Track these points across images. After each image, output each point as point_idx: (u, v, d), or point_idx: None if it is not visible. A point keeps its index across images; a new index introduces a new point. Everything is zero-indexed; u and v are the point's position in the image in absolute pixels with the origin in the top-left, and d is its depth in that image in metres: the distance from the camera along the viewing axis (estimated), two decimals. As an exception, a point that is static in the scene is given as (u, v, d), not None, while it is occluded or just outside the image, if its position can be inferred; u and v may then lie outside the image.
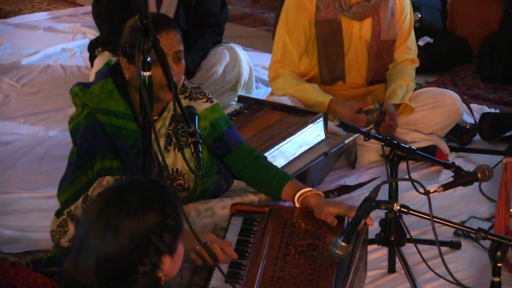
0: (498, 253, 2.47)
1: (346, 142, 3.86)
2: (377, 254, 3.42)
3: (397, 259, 3.17)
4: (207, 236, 2.78)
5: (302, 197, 2.96)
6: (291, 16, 4.15)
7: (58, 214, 3.07)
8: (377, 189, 2.56)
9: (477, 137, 4.50)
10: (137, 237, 1.96)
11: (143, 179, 2.10)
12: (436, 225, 2.58)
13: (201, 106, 3.10)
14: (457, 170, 3.17)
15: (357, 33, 4.16)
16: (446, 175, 3.97)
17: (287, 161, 3.62)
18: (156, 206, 1.99)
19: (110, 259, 1.96)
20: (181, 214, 2.05)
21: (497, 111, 4.84)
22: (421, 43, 5.36)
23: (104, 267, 1.96)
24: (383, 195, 3.11)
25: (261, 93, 4.95)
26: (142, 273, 1.97)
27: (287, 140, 3.65)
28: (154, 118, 2.98)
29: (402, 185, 3.58)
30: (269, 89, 4.44)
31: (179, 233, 2.03)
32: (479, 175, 3.11)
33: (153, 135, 2.52)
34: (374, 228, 3.12)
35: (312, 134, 3.79)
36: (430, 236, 3.37)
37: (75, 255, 2.01)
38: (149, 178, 2.17)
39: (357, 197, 3.83)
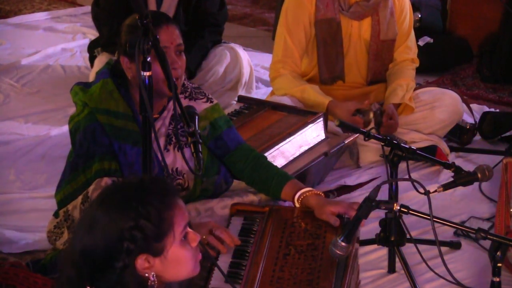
0: (498, 253, 2.47)
1: (346, 142, 3.86)
2: (377, 254, 3.42)
3: (397, 259, 3.17)
4: (209, 224, 2.79)
5: (302, 197, 2.95)
6: (291, 15, 4.15)
7: (56, 214, 3.07)
8: (377, 189, 2.56)
9: (477, 137, 4.50)
10: (109, 234, 1.98)
11: (141, 177, 2.10)
12: (436, 225, 2.58)
13: (201, 106, 3.10)
14: (457, 170, 3.17)
15: (357, 33, 4.17)
16: (446, 175, 3.97)
17: (287, 161, 3.62)
18: (131, 205, 2.00)
19: (88, 254, 1.99)
20: (168, 216, 2.03)
21: (497, 111, 4.84)
22: (421, 43, 5.36)
23: (83, 260, 1.99)
24: (383, 195, 3.11)
25: (261, 93, 4.95)
26: (120, 268, 1.98)
27: (287, 140, 3.65)
28: (155, 116, 2.98)
29: (402, 185, 3.58)
30: (269, 89, 4.44)
31: (161, 234, 2.01)
32: (479, 175, 3.11)
33: (153, 135, 2.52)
34: (374, 228, 3.12)
35: (312, 134, 3.79)
36: (430, 236, 3.37)
37: (68, 249, 2.07)
38: (149, 177, 2.16)
39: (357, 197, 3.83)
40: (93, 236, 1.99)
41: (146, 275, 2.02)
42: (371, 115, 3.95)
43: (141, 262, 2.00)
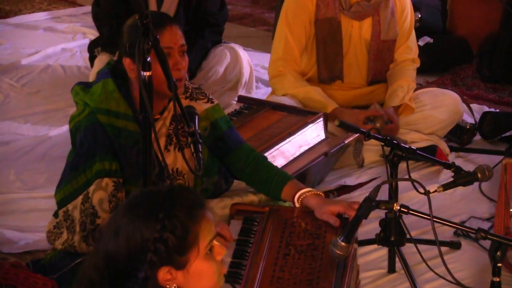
0: (498, 253, 2.47)
1: (346, 142, 3.86)
2: (377, 254, 3.42)
3: (397, 259, 3.17)
4: None
5: (302, 197, 2.95)
6: (291, 14, 4.15)
7: (56, 214, 3.06)
8: (377, 189, 2.56)
9: (477, 137, 4.50)
10: (133, 243, 1.96)
11: (170, 187, 2.07)
12: (436, 225, 2.58)
13: (201, 106, 3.10)
14: (457, 170, 3.17)
15: (357, 33, 4.16)
16: (446, 175, 3.97)
17: (287, 161, 3.62)
18: (158, 217, 1.97)
19: (111, 259, 1.97)
20: (194, 230, 1.99)
21: (497, 111, 4.84)
22: (421, 43, 5.36)
23: (106, 265, 1.98)
24: (383, 195, 3.11)
25: (261, 93, 4.95)
26: (141, 279, 1.97)
27: (287, 140, 3.65)
28: (155, 117, 2.98)
29: (402, 185, 3.58)
30: (269, 89, 4.44)
31: (185, 248, 1.99)
32: (479, 175, 3.11)
33: (153, 135, 2.52)
34: (374, 228, 3.12)
35: (312, 134, 3.79)
36: (430, 236, 3.37)
37: (92, 251, 2.06)
38: (178, 187, 2.13)
39: (357, 197, 3.83)
40: (117, 243, 1.97)
41: (168, 287, 2.00)
42: (382, 122, 3.95)
43: (163, 274, 1.98)
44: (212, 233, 2.04)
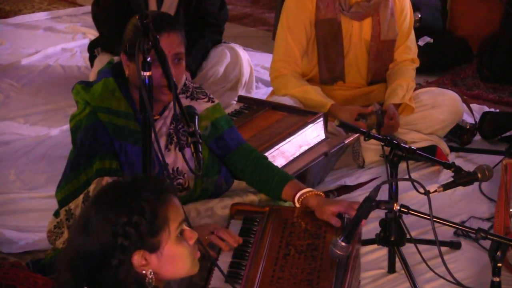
0: (498, 253, 2.47)
1: (346, 142, 3.86)
2: (377, 254, 3.42)
3: (397, 259, 3.18)
4: (210, 226, 2.79)
5: (303, 197, 2.95)
6: (292, 15, 4.15)
7: (57, 214, 3.07)
8: (377, 189, 2.56)
9: (477, 137, 4.50)
10: (103, 231, 1.98)
11: (135, 176, 2.11)
12: (436, 225, 2.58)
13: (202, 105, 3.10)
14: (457, 170, 3.17)
15: (357, 33, 4.17)
16: (446, 175, 3.97)
17: (287, 161, 3.62)
18: (125, 202, 2.00)
19: (84, 255, 1.99)
20: (162, 212, 2.03)
21: (497, 111, 4.84)
22: (421, 43, 5.36)
23: (80, 259, 1.99)
24: (383, 195, 3.11)
25: (261, 93, 4.95)
26: (116, 266, 1.98)
27: (287, 140, 3.65)
28: (155, 118, 2.98)
29: (402, 185, 3.58)
30: (269, 89, 4.44)
31: (155, 230, 2.01)
32: (479, 175, 3.11)
33: (153, 135, 2.52)
34: (374, 228, 3.12)
35: (312, 134, 3.79)
36: (430, 236, 3.37)
37: (65, 249, 2.08)
38: (143, 175, 2.16)
39: (357, 197, 3.83)
40: (89, 235, 1.99)
41: (144, 272, 2.02)
42: (374, 119, 3.95)
43: (137, 259, 2.00)
44: (181, 216, 2.07)
